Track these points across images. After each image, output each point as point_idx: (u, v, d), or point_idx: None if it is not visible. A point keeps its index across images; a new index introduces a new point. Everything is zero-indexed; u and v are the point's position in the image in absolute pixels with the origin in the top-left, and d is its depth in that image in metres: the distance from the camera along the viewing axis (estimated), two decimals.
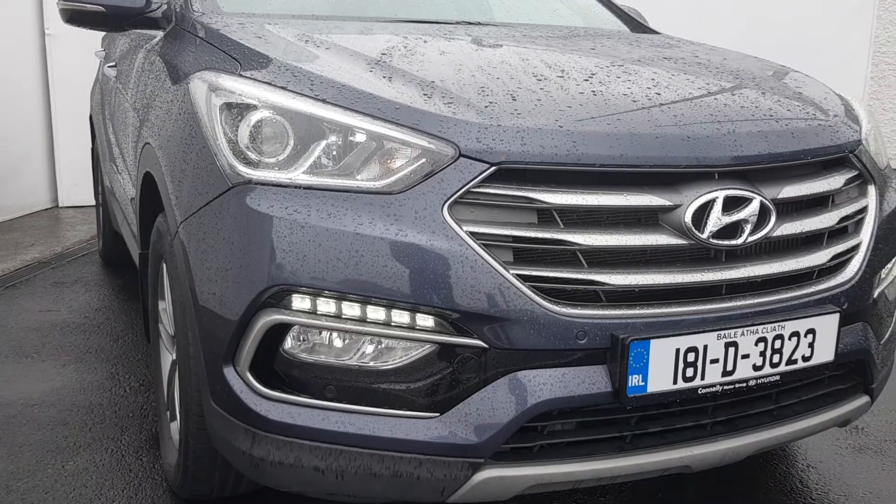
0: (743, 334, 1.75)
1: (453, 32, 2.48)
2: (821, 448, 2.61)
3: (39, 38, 6.22)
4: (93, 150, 4.92)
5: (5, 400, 2.89)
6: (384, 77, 1.87)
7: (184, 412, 2.00)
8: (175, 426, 2.25)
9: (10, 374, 3.14)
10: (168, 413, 2.35)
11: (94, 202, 5.32)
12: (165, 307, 2.34)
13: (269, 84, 1.81)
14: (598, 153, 1.69)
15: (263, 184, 1.71)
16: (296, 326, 1.68)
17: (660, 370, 1.68)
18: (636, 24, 3.24)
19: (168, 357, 2.36)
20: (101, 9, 2.61)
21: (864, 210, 2.03)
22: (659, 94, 1.93)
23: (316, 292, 1.65)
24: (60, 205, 6.45)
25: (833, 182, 1.96)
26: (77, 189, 6.33)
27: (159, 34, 2.71)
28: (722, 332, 1.73)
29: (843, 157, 2.00)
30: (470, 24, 2.77)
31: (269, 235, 1.66)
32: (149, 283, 2.47)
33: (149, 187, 2.35)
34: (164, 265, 2.20)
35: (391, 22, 2.66)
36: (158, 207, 2.23)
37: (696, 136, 1.77)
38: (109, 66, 3.63)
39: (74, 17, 2.66)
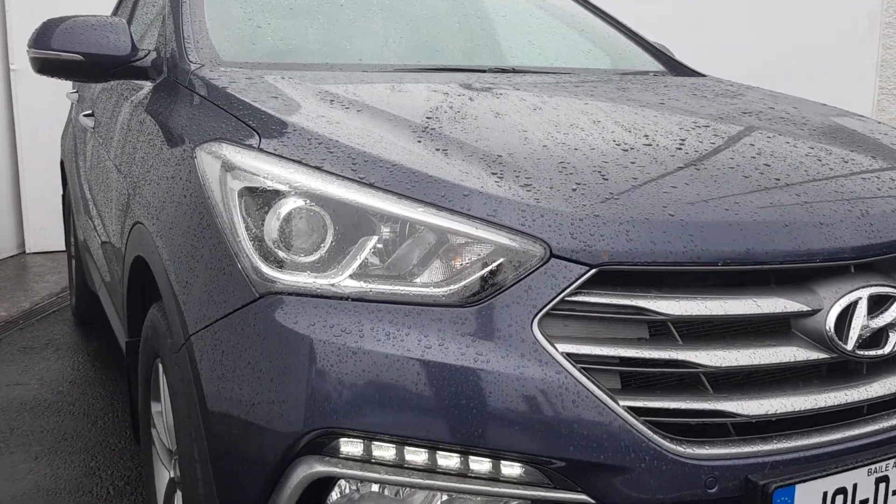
0: (894, 466, 1.42)
1: (495, 85, 2.14)
2: None
3: (4, 74, 5.80)
4: (64, 196, 4.51)
5: None
6: (438, 150, 1.52)
7: None
8: None
9: None
10: None
11: (63, 247, 4.90)
12: (161, 412, 1.96)
13: (300, 163, 1.45)
14: (722, 249, 1.35)
15: (298, 293, 1.35)
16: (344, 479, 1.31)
17: None
18: (673, 63, 2.93)
19: (164, 473, 1.98)
20: (79, 58, 2.22)
21: None
22: (768, 165, 1.60)
23: (370, 435, 1.28)
24: (28, 251, 6.00)
25: None
26: (45, 233, 5.89)
27: (147, 85, 2.34)
28: (872, 467, 1.40)
29: None
30: (504, 71, 2.43)
31: (309, 364, 1.29)
32: (139, 379, 2.09)
33: (139, 270, 1.98)
34: (161, 366, 1.82)
35: (417, 71, 2.31)
36: (151, 293, 1.86)
37: (829, 223, 1.44)
38: (85, 115, 3.24)
39: (47, 67, 2.28)
